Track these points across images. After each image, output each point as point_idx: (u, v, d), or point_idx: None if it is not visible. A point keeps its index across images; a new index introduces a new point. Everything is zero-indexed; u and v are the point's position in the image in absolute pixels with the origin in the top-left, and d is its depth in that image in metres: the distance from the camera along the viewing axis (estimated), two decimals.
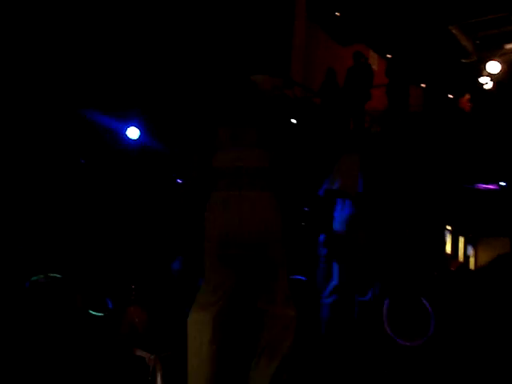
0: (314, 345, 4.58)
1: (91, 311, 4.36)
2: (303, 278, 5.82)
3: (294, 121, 9.68)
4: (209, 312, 3.20)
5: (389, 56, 13.32)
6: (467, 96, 9.28)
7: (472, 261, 14.35)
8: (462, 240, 13.92)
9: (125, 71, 7.85)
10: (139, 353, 3.95)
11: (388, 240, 4.93)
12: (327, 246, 5.14)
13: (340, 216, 5.14)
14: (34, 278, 3.96)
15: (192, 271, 5.39)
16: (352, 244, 4.95)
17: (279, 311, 3.18)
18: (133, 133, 7.37)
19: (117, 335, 4.09)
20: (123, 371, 3.89)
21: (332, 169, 5.29)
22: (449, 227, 12.78)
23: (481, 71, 11.78)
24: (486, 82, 11.37)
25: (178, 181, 8.83)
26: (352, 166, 5.19)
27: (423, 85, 13.27)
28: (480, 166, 9.84)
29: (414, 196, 5.99)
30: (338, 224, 5.13)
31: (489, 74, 11.66)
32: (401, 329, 3.52)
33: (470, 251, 14.38)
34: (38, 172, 7.12)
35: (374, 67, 12.29)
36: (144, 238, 7.56)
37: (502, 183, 10.71)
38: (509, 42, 12.17)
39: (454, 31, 12.19)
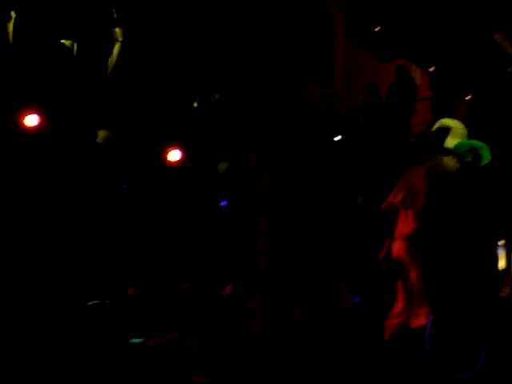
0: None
1: (132, 340, 4.28)
2: (356, 299, 5.58)
3: (339, 137, 9.57)
4: (270, 347, 3.05)
5: (431, 69, 13.10)
6: None
7: None
8: None
9: (164, 92, 7.83)
10: (196, 379, 3.86)
11: (442, 257, 4.66)
12: (388, 265, 4.88)
13: (401, 231, 4.87)
14: (90, 303, 3.99)
15: (244, 296, 5.27)
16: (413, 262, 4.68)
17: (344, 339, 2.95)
18: (174, 155, 7.33)
19: (172, 363, 4.00)
20: None
21: (393, 183, 5.08)
22: (501, 241, 12.35)
23: None
24: None
25: (223, 203, 8.76)
26: (418, 179, 4.96)
27: (469, 96, 12.98)
28: None
29: (466, 209, 5.74)
30: (399, 240, 4.87)
31: None
32: (446, 356, 3.18)
33: None
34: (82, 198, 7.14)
35: (417, 81, 12.07)
36: (192, 262, 7.49)
37: None
38: None
39: (498, 40, 11.91)
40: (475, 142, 5.36)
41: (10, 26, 6.63)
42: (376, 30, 12.45)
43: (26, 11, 6.66)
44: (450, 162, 5.18)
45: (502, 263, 12.58)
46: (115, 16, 7.22)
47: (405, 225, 4.86)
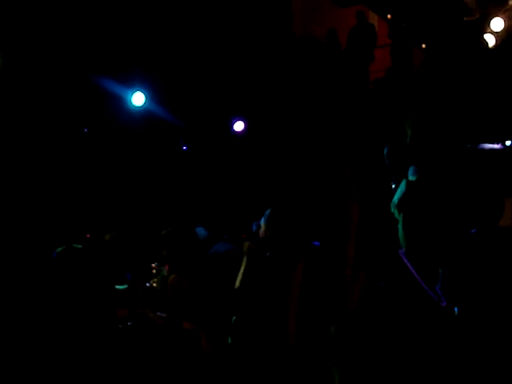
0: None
1: (116, 286, 4.28)
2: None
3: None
4: None
5: (389, 16, 13.07)
6: None
7: None
8: None
9: (126, 29, 7.59)
10: (187, 326, 3.86)
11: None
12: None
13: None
14: (59, 249, 3.94)
15: (216, 236, 5.28)
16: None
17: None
18: (138, 99, 7.18)
19: (163, 304, 4.01)
20: (171, 343, 3.81)
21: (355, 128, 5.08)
22: None
23: (484, 29, 11.59)
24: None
25: (184, 148, 8.70)
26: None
27: (424, 45, 13.06)
28: (484, 126, 9.71)
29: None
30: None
31: (492, 32, 11.47)
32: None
33: None
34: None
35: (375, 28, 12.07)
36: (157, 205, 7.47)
37: (508, 142, 10.61)
38: None
39: None
40: None
41: None
42: None
43: None
44: None
45: None
46: None
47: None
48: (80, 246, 4.09)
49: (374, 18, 13.30)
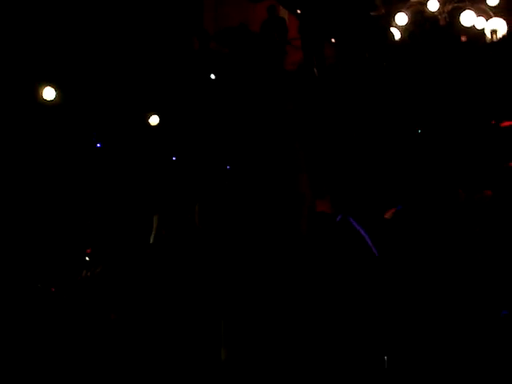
0: None
1: None
2: None
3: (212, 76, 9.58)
4: None
5: (298, 11, 13.27)
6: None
7: None
8: None
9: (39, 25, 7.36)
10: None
11: None
12: None
13: None
14: None
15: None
16: None
17: None
18: (49, 93, 6.97)
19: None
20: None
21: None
22: None
23: (389, 23, 12.03)
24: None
25: (98, 145, 8.51)
26: None
27: (333, 40, 13.34)
28: (398, 118, 10.04)
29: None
30: None
31: (397, 26, 11.94)
32: None
33: None
34: None
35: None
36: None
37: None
38: None
39: None
40: None
41: None
42: None
43: None
44: None
45: None
46: None
47: None
48: None
49: (284, 13, 13.48)
